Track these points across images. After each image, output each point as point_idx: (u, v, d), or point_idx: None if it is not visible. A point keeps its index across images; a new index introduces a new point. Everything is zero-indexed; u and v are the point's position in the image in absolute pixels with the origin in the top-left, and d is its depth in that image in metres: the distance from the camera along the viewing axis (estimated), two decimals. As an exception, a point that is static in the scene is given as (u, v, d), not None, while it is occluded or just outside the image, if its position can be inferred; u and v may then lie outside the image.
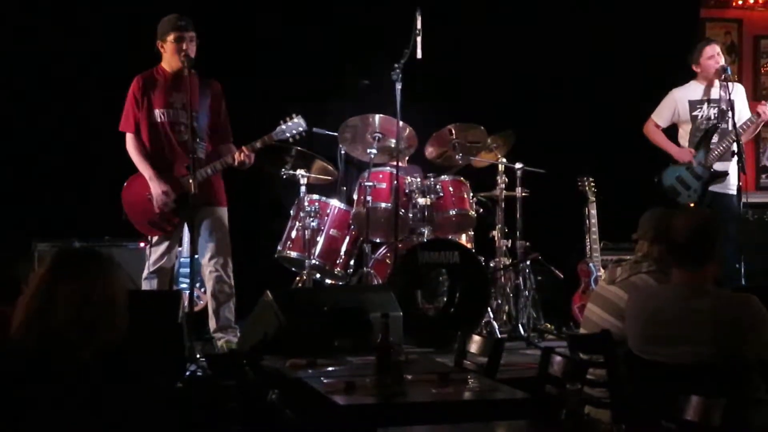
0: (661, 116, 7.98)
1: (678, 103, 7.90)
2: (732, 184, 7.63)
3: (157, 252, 6.64)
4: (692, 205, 7.60)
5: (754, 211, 8.88)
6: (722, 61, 7.79)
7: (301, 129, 6.76)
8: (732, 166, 7.59)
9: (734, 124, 7.42)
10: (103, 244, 7.54)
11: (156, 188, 6.54)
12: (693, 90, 7.87)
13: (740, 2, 10.19)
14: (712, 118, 7.75)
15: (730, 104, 7.58)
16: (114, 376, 3.09)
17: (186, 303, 6.06)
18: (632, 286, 4.57)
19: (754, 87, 10.09)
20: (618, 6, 9.32)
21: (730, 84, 7.65)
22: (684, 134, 7.91)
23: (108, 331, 3.11)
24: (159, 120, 6.60)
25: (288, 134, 6.74)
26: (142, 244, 7.26)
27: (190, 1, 7.52)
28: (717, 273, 4.09)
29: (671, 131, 8.03)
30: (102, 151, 7.49)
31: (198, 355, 5.96)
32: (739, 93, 7.78)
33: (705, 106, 7.78)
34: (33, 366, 3.02)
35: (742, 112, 7.73)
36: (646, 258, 4.72)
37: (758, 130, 7.98)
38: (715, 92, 7.77)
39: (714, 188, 7.65)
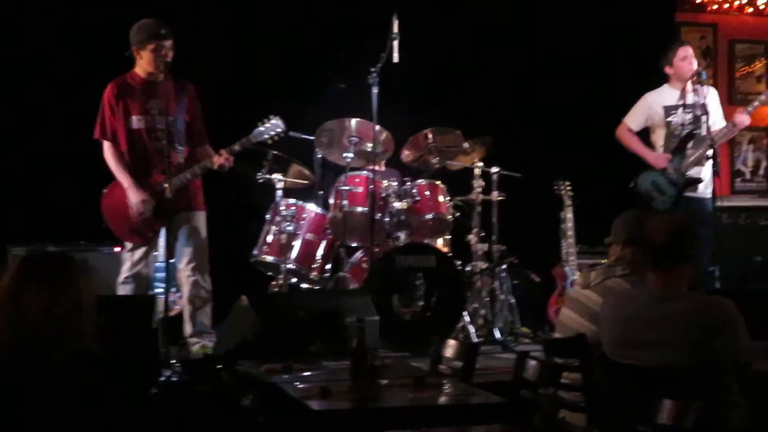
0: (634, 120, 7.98)
1: (652, 107, 7.90)
2: (706, 189, 7.65)
3: (135, 257, 6.62)
4: (667, 211, 7.61)
5: (728, 215, 8.93)
6: (695, 63, 7.81)
7: (279, 130, 6.75)
8: (706, 171, 7.61)
9: (708, 129, 7.43)
10: (79, 249, 7.51)
11: (135, 197, 6.52)
12: (667, 94, 7.87)
13: (715, 7, 10.25)
14: (687, 123, 7.76)
15: (704, 109, 7.59)
16: (89, 380, 3.08)
17: (161, 308, 6.04)
18: (607, 290, 4.58)
19: (729, 91, 10.15)
20: (594, 10, 9.35)
21: (704, 88, 7.66)
22: (657, 139, 7.90)
23: (78, 334, 3.10)
24: (136, 127, 6.58)
25: (266, 136, 6.73)
26: (117, 249, 7.23)
27: (163, 3, 7.53)
28: (691, 276, 4.10)
29: (643, 134, 8.04)
30: (77, 155, 7.45)
31: (173, 361, 5.93)
32: (712, 97, 7.79)
33: (680, 111, 7.79)
34: (7, 370, 3.00)
35: (716, 117, 7.74)
36: (619, 262, 4.73)
37: (732, 136, 7.99)
38: (690, 97, 7.78)
39: (688, 192, 7.67)
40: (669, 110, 7.81)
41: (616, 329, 4.09)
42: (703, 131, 7.59)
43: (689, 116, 7.75)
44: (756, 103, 7.82)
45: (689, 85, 7.76)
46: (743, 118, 7.70)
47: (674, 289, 4.01)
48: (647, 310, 4.00)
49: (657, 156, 7.81)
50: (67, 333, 3.08)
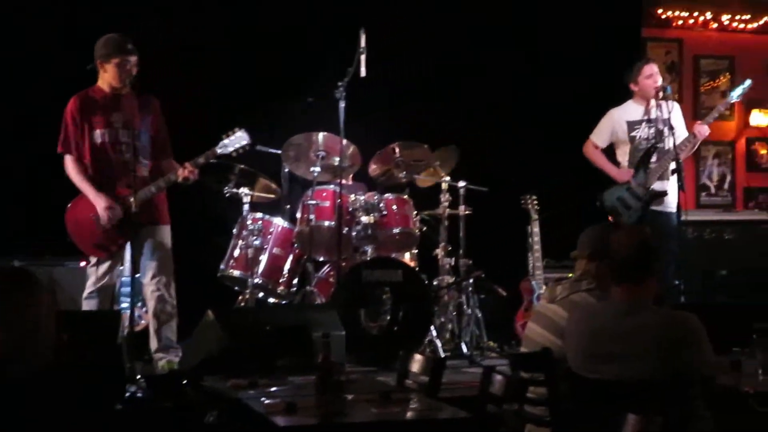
0: (599, 137, 8.03)
1: (616, 123, 7.95)
2: (671, 203, 7.70)
3: (99, 271, 6.57)
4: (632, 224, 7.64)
5: (693, 229, 8.98)
6: (660, 80, 7.86)
7: (244, 143, 6.72)
8: (671, 185, 7.66)
9: (674, 143, 7.48)
10: (44, 263, 7.46)
11: (100, 204, 6.47)
12: (631, 110, 7.92)
13: (680, 22, 10.35)
14: (650, 138, 7.80)
15: (668, 123, 7.65)
16: (50, 396, 3.05)
17: (126, 323, 6.00)
18: (572, 305, 4.59)
19: (694, 106, 10.24)
20: (561, 26, 9.40)
21: (668, 103, 7.71)
22: (622, 154, 7.96)
23: (37, 351, 3.07)
24: (100, 140, 6.54)
25: (231, 148, 6.70)
26: (82, 263, 7.18)
27: (130, 15, 7.52)
28: (656, 290, 4.12)
29: (608, 151, 8.08)
30: (42, 170, 7.40)
31: (138, 376, 5.89)
32: (676, 112, 7.85)
33: (643, 125, 7.84)
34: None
35: (680, 131, 7.80)
36: (585, 276, 4.74)
37: (695, 148, 8.03)
38: (653, 112, 7.83)
39: (654, 206, 7.71)
40: (632, 125, 7.86)
41: (582, 343, 4.10)
42: (667, 145, 7.65)
43: (652, 131, 7.80)
44: (714, 114, 7.90)
45: (653, 101, 7.81)
46: (703, 129, 7.77)
47: (639, 303, 4.02)
48: (612, 324, 4.01)
49: (620, 171, 7.86)
50: (26, 350, 3.05)
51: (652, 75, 7.81)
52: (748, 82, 7.90)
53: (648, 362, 3.87)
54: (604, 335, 4.01)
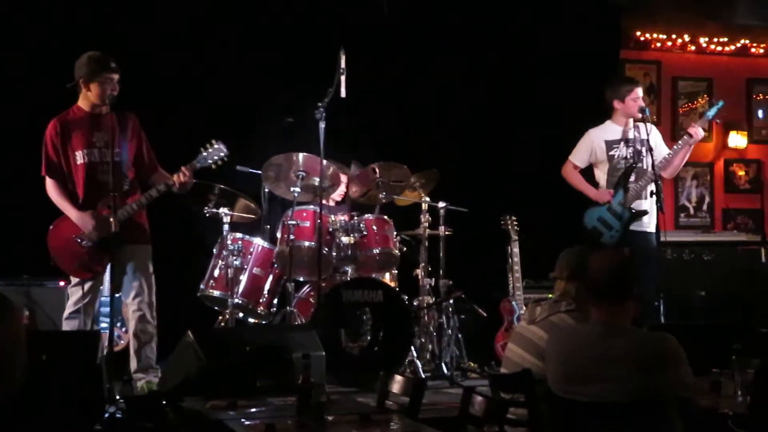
0: (578, 157, 8.03)
1: (594, 142, 7.95)
2: (650, 223, 7.74)
3: (79, 292, 6.54)
4: (616, 245, 7.66)
5: (672, 250, 9.02)
6: (642, 103, 7.90)
7: (222, 154, 6.72)
8: (650, 205, 7.69)
9: (652, 164, 7.51)
10: (23, 283, 7.43)
11: (85, 223, 6.45)
12: (609, 129, 7.94)
13: (659, 45, 10.43)
14: (628, 157, 7.84)
15: (646, 144, 7.69)
16: (29, 417, 3.03)
17: (106, 343, 5.98)
18: (552, 326, 4.60)
19: (672, 127, 10.32)
20: (540, 47, 9.45)
21: (647, 124, 7.74)
22: (601, 174, 7.96)
23: (16, 370, 3.05)
24: (81, 161, 6.52)
25: (210, 161, 6.70)
26: (62, 283, 7.15)
27: (107, 32, 7.52)
28: (635, 311, 4.14)
29: (587, 171, 8.10)
30: (21, 190, 7.37)
31: (117, 397, 5.84)
32: (654, 133, 7.90)
33: (621, 145, 7.87)
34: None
35: (660, 151, 7.83)
36: (564, 297, 4.76)
37: (689, 153, 8.01)
38: (631, 132, 7.87)
39: (633, 227, 7.73)
40: (611, 145, 7.88)
41: (561, 365, 4.11)
42: (645, 165, 7.69)
43: (630, 150, 7.84)
44: (709, 114, 7.92)
45: (631, 121, 7.85)
46: (698, 130, 7.79)
47: (618, 325, 4.04)
48: (591, 346, 4.02)
49: (599, 192, 7.86)
50: (4, 371, 3.03)
51: (638, 98, 7.84)
52: (721, 103, 7.96)
53: (626, 384, 3.88)
54: (583, 356, 4.02)
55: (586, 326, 4.20)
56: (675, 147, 7.88)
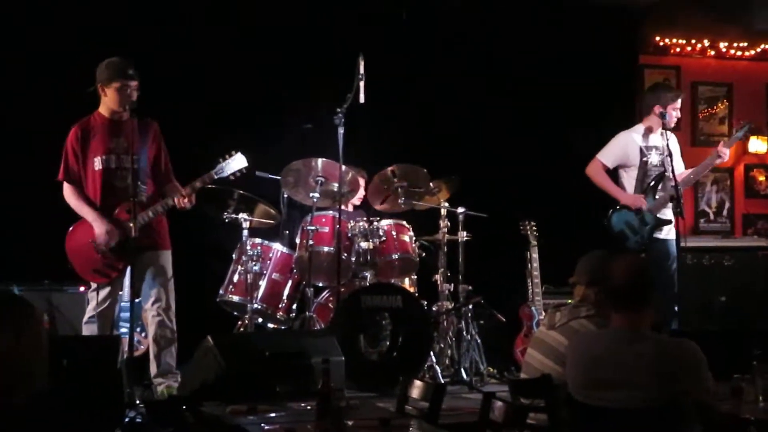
0: (608, 157, 7.96)
1: (629, 145, 7.91)
2: (670, 230, 7.72)
3: (99, 297, 6.56)
4: (639, 250, 7.65)
5: (692, 255, 8.98)
6: (677, 117, 7.90)
7: (241, 166, 6.71)
8: (670, 214, 7.68)
9: (673, 171, 7.48)
10: (43, 288, 7.46)
11: (100, 228, 6.48)
12: (643, 135, 7.90)
13: (678, 49, 10.39)
14: (658, 164, 7.82)
15: (669, 151, 7.69)
16: (50, 422, 3.05)
17: (126, 348, 5.99)
18: (571, 331, 4.59)
19: (692, 132, 10.27)
20: (559, 52, 9.44)
21: (667, 132, 7.73)
22: (629, 178, 7.91)
23: (37, 376, 3.07)
24: (100, 167, 6.55)
25: (228, 172, 6.68)
26: (82, 288, 7.18)
27: (129, 39, 7.54)
28: (653, 318, 4.13)
29: (610, 173, 8.08)
30: (41, 195, 7.39)
31: (137, 401, 5.89)
32: (674, 141, 7.89)
33: (654, 152, 7.85)
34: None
35: (678, 161, 7.81)
36: (583, 302, 4.75)
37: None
38: (656, 139, 7.86)
39: (655, 234, 7.72)
40: (645, 151, 7.85)
41: (582, 370, 4.10)
42: (668, 173, 7.67)
43: (659, 158, 7.82)
44: (739, 134, 7.94)
45: (659, 129, 7.82)
46: (726, 151, 7.80)
47: (638, 331, 4.03)
48: (612, 352, 4.01)
49: (634, 197, 7.78)
50: (27, 375, 3.05)
51: (678, 109, 7.83)
52: (748, 126, 8.07)
53: (647, 390, 3.87)
54: (604, 362, 4.01)
55: (607, 332, 4.19)
56: (703, 164, 7.83)
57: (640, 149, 7.86)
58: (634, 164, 7.88)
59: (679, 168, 7.78)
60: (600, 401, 3.96)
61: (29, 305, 3.17)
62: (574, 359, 4.19)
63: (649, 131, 7.89)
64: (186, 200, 6.51)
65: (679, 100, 7.90)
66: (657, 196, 7.73)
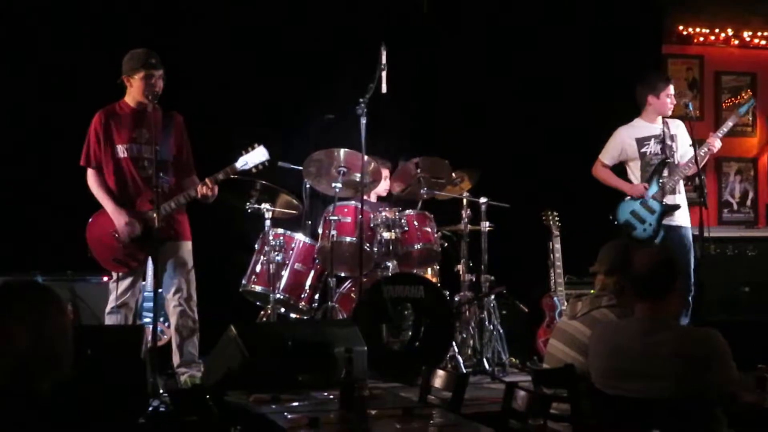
0: (607, 155, 8.01)
1: (625, 141, 7.93)
2: (684, 217, 7.72)
3: (121, 287, 6.58)
4: (649, 238, 7.65)
5: (716, 246, 8.95)
6: (672, 103, 7.88)
7: (263, 159, 6.71)
8: (682, 199, 7.68)
9: (696, 159, 7.46)
10: (66, 279, 7.49)
11: (119, 220, 6.50)
12: (639, 127, 7.91)
13: (701, 39, 10.34)
14: (659, 153, 7.81)
15: (675, 139, 7.72)
16: (74, 410, 3.06)
17: (149, 338, 6.02)
18: (593, 321, 4.59)
19: (715, 122, 10.20)
20: (582, 42, 9.42)
21: (672, 120, 7.81)
22: (633, 171, 7.92)
23: (62, 363, 3.09)
24: (122, 155, 6.57)
25: (251, 164, 6.68)
26: (105, 279, 7.21)
27: (152, 33, 7.55)
28: (678, 307, 4.13)
29: (619, 170, 8.06)
30: (64, 185, 7.44)
31: (161, 391, 5.92)
32: (681, 128, 7.87)
33: (652, 141, 7.84)
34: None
35: (685, 147, 7.79)
36: (604, 291, 4.75)
37: (705, 161, 8.01)
38: (658, 128, 7.85)
39: (667, 221, 7.71)
40: (642, 142, 7.85)
41: (605, 360, 4.10)
42: (675, 160, 7.71)
43: (659, 146, 7.80)
44: (724, 128, 7.89)
45: (659, 119, 7.83)
46: (716, 142, 7.77)
47: (661, 320, 4.02)
48: (635, 341, 4.01)
49: (633, 186, 7.83)
50: (51, 362, 3.07)
51: (671, 95, 7.83)
52: (752, 102, 8.05)
53: (670, 379, 3.86)
54: (627, 351, 4.01)
55: (630, 321, 4.18)
56: (700, 154, 7.81)
57: (636, 141, 7.86)
58: (634, 157, 7.89)
59: (688, 155, 7.74)
60: (622, 391, 3.96)
61: (52, 292, 3.19)
62: (597, 349, 4.18)
63: (647, 121, 7.88)
64: (207, 190, 6.51)
65: (672, 86, 7.92)
66: (660, 182, 7.72)
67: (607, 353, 4.10)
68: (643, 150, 7.85)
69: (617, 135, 7.99)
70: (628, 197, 7.81)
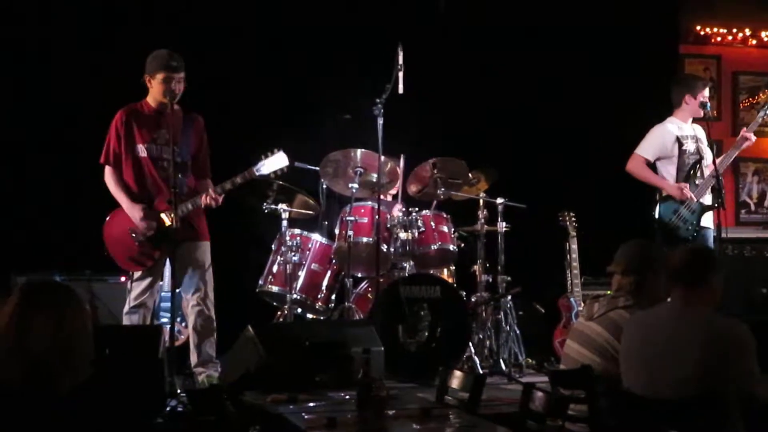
0: (648, 151, 7.89)
1: (666, 137, 7.86)
2: (708, 218, 7.71)
3: (139, 287, 6.60)
4: (692, 239, 7.64)
5: (733, 246, 8.92)
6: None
7: (282, 165, 6.71)
8: (708, 200, 7.67)
9: (713, 160, 7.45)
10: (84, 278, 7.51)
11: (134, 215, 6.51)
12: (677, 126, 7.88)
13: (719, 39, 10.31)
14: (694, 152, 7.80)
15: (701, 141, 7.76)
16: (92, 409, 3.08)
17: (167, 338, 6.04)
18: (610, 322, 4.60)
19: (733, 123, 10.18)
20: (599, 42, 9.40)
21: (697, 123, 7.81)
22: (669, 170, 7.84)
23: (81, 362, 3.11)
24: (142, 155, 6.59)
25: (269, 170, 6.69)
26: (123, 279, 7.23)
27: (172, 34, 7.57)
28: (713, 301, 4.17)
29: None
30: (83, 184, 7.47)
31: (179, 390, 5.93)
32: (702, 131, 7.87)
33: (689, 141, 7.82)
34: (13, 400, 3.00)
35: (707, 150, 7.79)
36: (620, 291, 4.75)
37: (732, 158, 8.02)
38: (690, 128, 7.85)
39: (697, 221, 7.72)
40: (681, 140, 7.81)
41: (636, 343, 4.18)
42: (706, 161, 7.66)
43: (694, 146, 7.80)
44: (758, 120, 7.87)
45: (690, 120, 7.83)
46: (751, 135, 7.77)
47: (693, 307, 4.09)
48: (666, 322, 4.11)
49: (678, 187, 7.73)
50: (72, 361, 3.09)
51: (707, 97, 7.80)
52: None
53: (697, 366, 3.90)
54: (657, 335, 4.10)
55: (663, 305, 4.27)
56: (731, 150, 7.81)
57: (677, 139, 7.83)
58: (673, 155, 7.84)
59: (711, 157, 7.74)
60: (651, 377, 4.00)
61: (73, 292, 3.21)
62: (629, 342, 4.25)
63: (683, 122, 7.87)
64: (210, 200, 6.51)
65: (707, 89, 7.89)
66: (697, 182, 7.71)
67: (639, 339, 4.17)
68: (683, 148, 7.82)
69: (657, 131, 7.92)
70: (664, 196, 7.75)
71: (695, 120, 7.92)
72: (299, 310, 7.63)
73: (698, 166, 7.74)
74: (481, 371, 7.15)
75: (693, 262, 4.20)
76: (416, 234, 7.49)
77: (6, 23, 8.05)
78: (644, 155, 7.91)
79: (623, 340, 4.34)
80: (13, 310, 3.11)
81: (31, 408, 3.01)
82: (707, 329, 3.98)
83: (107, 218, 6.66)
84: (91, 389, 3.12)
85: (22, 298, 3.14)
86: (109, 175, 6.64)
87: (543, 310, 8.09)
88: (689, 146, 7.81)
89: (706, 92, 7.85)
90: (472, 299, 7.78)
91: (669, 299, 4.24)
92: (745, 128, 7.99)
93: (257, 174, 6.68)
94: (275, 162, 6.69)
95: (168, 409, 5.48)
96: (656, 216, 7.73)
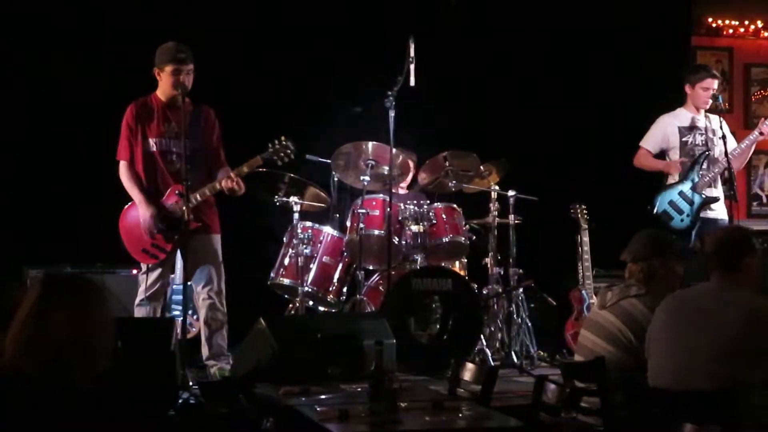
0: (650, 142, 7.99)
1: (668, 128, 7.92)
2: (721, 210, 7.69)
3: (150, 279, 6.62)
4: (686, 229, 7.63)
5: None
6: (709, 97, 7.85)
7: (289, 151, 6.70)
8: (719, 193, 7.66)
9: (726, 152, 7.44)
10: (95, 271, 7.53)
11: (144, 212, 6.53)
12: (681, 116, 7.91)
13: (731, 31, 10.28)
14: (700, 144, 7.79)
15: (716, 133, 7.68)
16: (108, 402, 3.09)
17: (179, 330, 6.04)
18: (622, 311, 4.61)
19: (745, 115, 10.16)
20: (611, 33, 9.38)
21: (711, 114, 7.78)
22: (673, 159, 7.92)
23: (100, 356, 3.12)
24: (152, 149, 6.59)
25: (276, 157, 6.67)
26: (134, 271, 7.24)
27: (182, 27, 7.57)
28: (752, 282, 4.18)
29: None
30: (94, 177, 7.49)
31: (191, 383, 5.92)
32: (724, 123, 7.83)
33: (694, 132, 7.82)
34: (30, 391, 3.01)
35: (730, 141, 7.75)
36: (631, 279, 4.76)
37: (752, 150, 7.99)
38: (701, 121, 7.84)
39: (704, 214, 7.70)
40: (683, 131, 7.84)
41: (671, 323, 4.20)
42: (716, 153, 7.64)
43: (702, 138, 7.79)
44: None
45: (702, 111, 7.84)
46: (766, 128, 7.76)
47: (731, 287, 4.15)
48: (712, 295, 4.16)
49: (668, 162, 7.82)
50: (91, 354, 3.10)
51: (709, 89, 7.78)
52: None
53: (734, 341, 3.94)
54: (703, 300, 4.15)
55: (706, 282, 4.28)
56: (745, 142, 7.80)
57: (679, 130, 7.86)
58: (674, 146, 7.88)
59: (720, 149, 7.72)
60: (683, 368, 3.99)
61: (94, 285, 3.22)
62: (664, 312, 4.28)
63: (690, 113, 7.86)
64: (231, 183, 6.51)
65: (708, 80, 7.86)
66: (700, 173, 7.69)
67: (675, 320, 4.18)
68: (684, 139, 7.83)
69: (660, 122, 7.98)
70: (665, 187, 7.76)
71: (712, 111, 7.91)
72: (311, 302, 7.63)
73: (704, 158, 7.72)
74: (492, 364, 7.14)
75: (726, 245, 4.23)
76: (428, 226, 7.48)
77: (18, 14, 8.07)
78: (646, 146, 8.00)
79: (651, 327, 4.32)
80: (34, 302, 3.12)
81: (50, 399, 3.02)
82: (748, 309, 4.01)
83: (123, 210, 6.68)
84: (108, 381, 3.13)
85: (42, 293, 3.15)
86: (124, 171, 6.65)
87: (554, 303, 8.08)
88: (692, 137, 7.81)
89: (708, 83, 7.82)
90: (484, 292, 7.77)
91: (703, 283, 4.27)
92: (763, 119, 7.98)
93: (263, 161, 6.61)
94: (282, 149, 6.64)
95: (180, 401, 5.49)
96: (650, 207, 7.76)
